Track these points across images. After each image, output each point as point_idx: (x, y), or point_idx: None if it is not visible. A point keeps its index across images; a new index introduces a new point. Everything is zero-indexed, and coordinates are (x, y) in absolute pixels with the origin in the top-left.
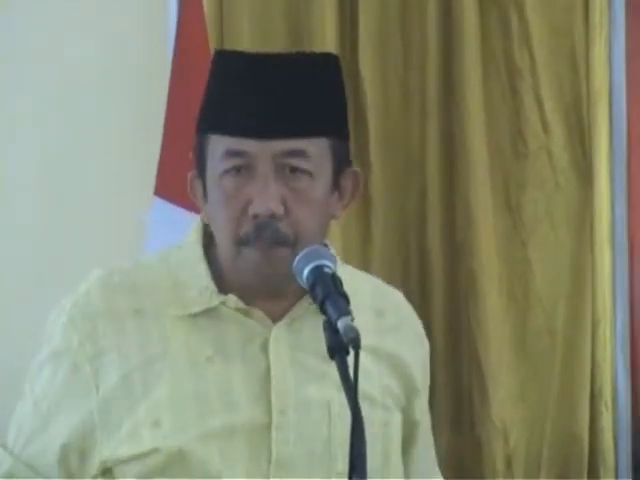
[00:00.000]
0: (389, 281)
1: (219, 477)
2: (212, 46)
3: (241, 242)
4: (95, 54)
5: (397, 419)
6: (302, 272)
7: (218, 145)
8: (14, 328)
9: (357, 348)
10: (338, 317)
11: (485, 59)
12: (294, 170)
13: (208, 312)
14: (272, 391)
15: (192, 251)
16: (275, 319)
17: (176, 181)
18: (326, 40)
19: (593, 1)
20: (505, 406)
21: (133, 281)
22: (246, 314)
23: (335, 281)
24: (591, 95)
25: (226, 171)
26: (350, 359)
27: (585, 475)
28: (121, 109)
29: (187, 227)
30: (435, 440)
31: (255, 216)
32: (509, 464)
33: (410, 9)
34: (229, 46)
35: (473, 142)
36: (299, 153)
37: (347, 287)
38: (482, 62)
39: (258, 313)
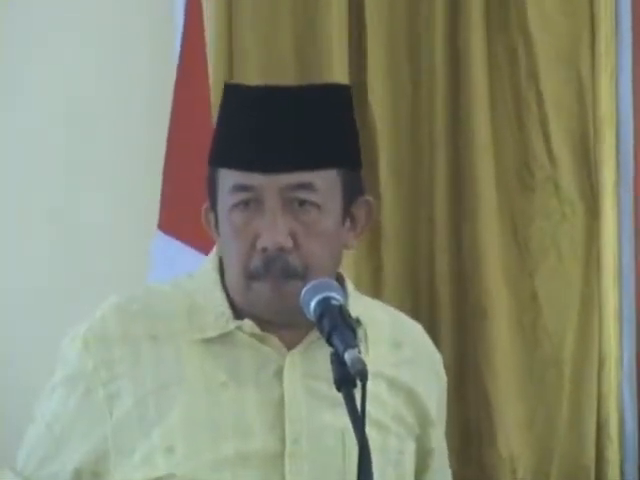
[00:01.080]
0: (400, 310)
1: None
2: (220, 75)
3: (251, 276)
4: (95, 89)
5: (411, 448)
6: (309, 304)
7: (227, 179)
8: (24, 354)
9: (364, 380)
10: (345, 349)
11: (492, 90)
12: (302, 203)
13: (223, 337)
14: (286, 419)
15: (208, 278)
16: (289, 346)
17: (178, 217)
18: (334, 70)
19: (599, 31)
20: (512, 437)
21: (148, 306)
22: (261, 340)
23: (342, 313)
24: (597, 126)
25: (234, 205)
26: (358, 391)
27: None
28: (130, 135)
29: (188, 263)
30: None
31: (264, 250)
32: None
33: (418, 40)
34: (237, 75)
35: (480, 173)
36: (306, 186)
37: (364, 318)
38: (489, 93)
39: (273, 340)
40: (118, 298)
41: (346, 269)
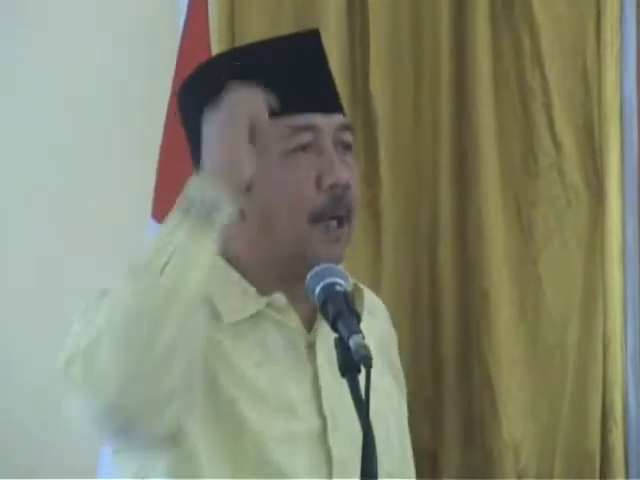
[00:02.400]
0: (399, 299)
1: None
2: None
3: (317, 217)
4: (93, 71)
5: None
6: (314, 289)
7: (278, 126)
8: (22, 347)
9: (368, 366)
10: (350, 335)
11: (497, 77)
12: (346, 147)
13: (251, 318)
14: (323, 396)
15: (215, 262)
16: (305, 322)
17: (172, 205)
18: (337, 58)
19: (604, 19)
20: (516, 422)
21: None
22: (286, 316)
23: (347, 299)
24: (602, 113)
25: (296, 148)
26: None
27: None
28: (124, 125)
29: None
30: (446, 455)
31: (332, 186)
32: None
33: (422, 28)
34: None
35: (485, 159)
36: (350, 128)
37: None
38: (494, 80)
39: (295, 316)
40: None
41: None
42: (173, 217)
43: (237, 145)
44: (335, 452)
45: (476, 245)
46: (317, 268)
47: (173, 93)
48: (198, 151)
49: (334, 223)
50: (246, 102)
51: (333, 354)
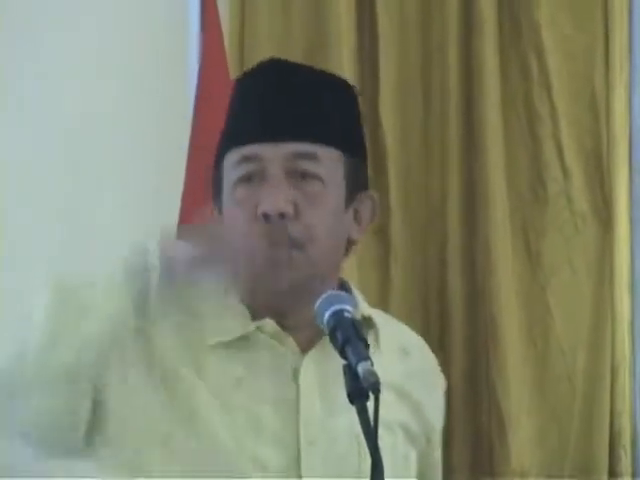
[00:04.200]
0: (408, 324)
1: None
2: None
3: (254, 248)
4: (114, 89)
5: (413, 456)
6: (323, 316)
7: (232, 158)
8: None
9: (377, 393)
10: (358, 362)
11: (505, 104)
12: (305, 175)
13: (241, 340)
14: (300, 422)
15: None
16: (304, 348)
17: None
18: None
19: (613, 45)
20: (524, 450)
21: None
22: (278, 341)
23: (355, 326)
24: (611, 140)
25: (238, 180)
26: (370, 404)
27: None
28: (143, 135)
29: None
30: None
31: (265, 216)
32: None
33: (431, 56)
34: None
35: (493, 187)
36: (309, 156)
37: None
38: (502, 107)
39: (289, 341)
40: None
41: (353, 283)
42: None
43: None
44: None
45: (485, 272)
46: (326, 295)
47: (197, 97)
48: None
49: (272, 253)
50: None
51: (326, 380)
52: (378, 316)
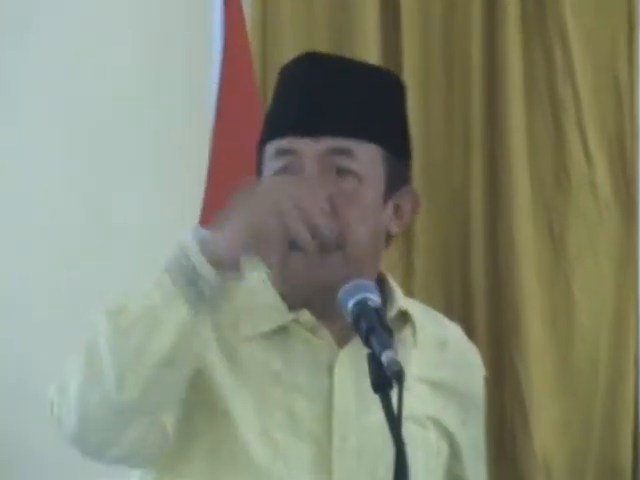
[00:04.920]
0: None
1: None
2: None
3: (292, 244)
4: (134, 77)
5: (445, 450)
6: (346, 305)
7: (270, 149)
8: (52, 354)
9: (401, 382)
10: (382, 351)
11: (528, 92)
12: (341, 172)
13: (278, 332)
14: (334, 417)
15: (255, 273)
16: (340, 340)
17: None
18: None
19: (636, 33)
20: (547, 438)
21: None
22: (314, 333)
23: (379, 314)
24: (635, 127)
25: (275, 172)
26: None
27: None
28: (167, 134)
29: None
30: None
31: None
32: None
33: (453, 43)
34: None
35: (516, 175)
36: (346, 152)
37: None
38: (525, 94)
39: (325, 334)
40: None
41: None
42: (156, 278)
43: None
44: (336, 476)
45: (508, 261)
46: (349, 284)
47: (220, 97)
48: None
49: (306, 255)
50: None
51: (361, 375)
52: (416, 309)
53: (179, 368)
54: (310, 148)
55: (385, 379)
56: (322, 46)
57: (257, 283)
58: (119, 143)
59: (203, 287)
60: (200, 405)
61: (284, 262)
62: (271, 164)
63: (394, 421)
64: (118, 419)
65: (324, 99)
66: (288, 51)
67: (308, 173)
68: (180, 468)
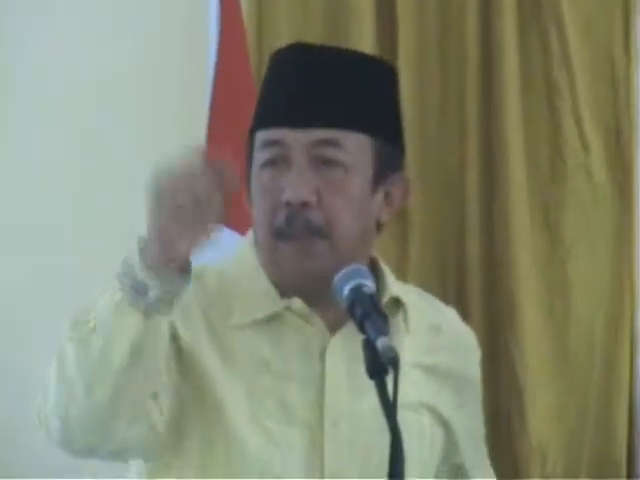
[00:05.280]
0: None
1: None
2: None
3: (277, 234)
4: (131, 78)
5: (440, 435)
6: (342, 291)
7: (259, 139)
8: (47, 350)
9: (396, 368)
10: (377, 337)
11: (524, 78)
12: (328, 162)
13: (270, 319)
14: (325, 403)
15: (248, 261)
16: (333, 326)
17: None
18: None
19: (633, 20)
20: (543, 424)
21: (205, 283)
22: (306, 320)
23: (374, 301)
24: (631, 114)
25: (264, 163)
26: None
27: None
28: (164, 129)
29: (230, 246)
30: None
31: (287, 204)
32: None
33: (449, 29)
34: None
35: (512, 161)
36: (333, 143)
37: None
38: (521, 81)
39: (317, 320)
40: None
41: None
42: (110, 287)
43: (165, 227)
44: (328, 462)
45: (503, 246)
46: (344, 270)
47: (214, 93)
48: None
49: (295, 242)
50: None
51: (353, 361)
52: (410, 293)
53: (146, 365)
54: (298, 140)
55: (380, 365)
56: (317, 35)
57: (250, 269)
58: (114, 141)
59: (149, 293)
60: (192, 396)
61: (272, 250)
62: (259, 155)
63: (389, 408)
64: (97, 422)
65: (313, 89)
66: (284, 41)
67: (295, 163)
68: (174, 463)
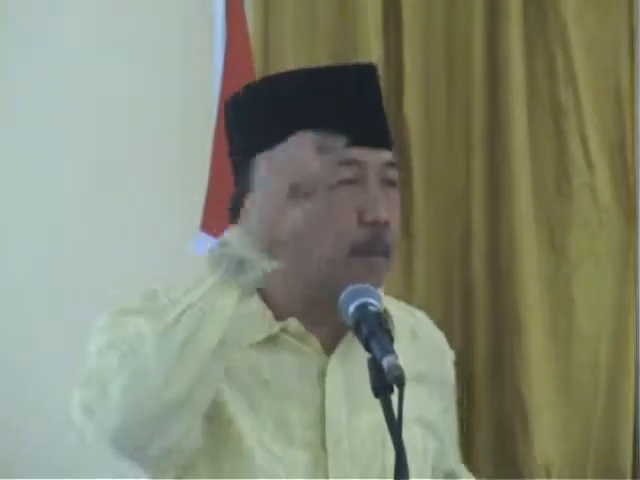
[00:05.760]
0: (431, 316)
1: None
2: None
3: (355, 251)
4: (136, 83)
5: (432, 448)
6: (347, 309)
7: (325, 159)
8: (46, 352)
9: (402, 387)
10: (383, 356)
11: (530, 97)
12: (391, 183)
13: (267, 341)
14: (327, 423)
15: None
16: (329, 343)
17: (223, 218)
18: None
19: (638, 41)
20: (548, 441)
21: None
22: (302, 341)
23: (380, 319)
24: (636, 134)
25: (340, 182)
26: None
27: None
28: (168, 140)
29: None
30: (477, 473)
31: (373, 223)
32: None
33: (455, 47)
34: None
35: (518, 179)
36: (395, 165)
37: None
38: (527, 100)
39: (314, 341)
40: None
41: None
42: (202, 273)
43: (275, 206)
44: (332, 478)
45: (508, 263)
46: (351, 288)
47: (221, 104)
48: (240, 172)
49: (372, 259)
50: (290, 165)
51: (350, 379)
52: (389, 303)
53: (223, 360)
54: (375, 160)
55: (386, 384)
56: (322, 47)
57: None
58: (119, 141)
59: (248, 272)
60: (210, 413)
61: (342, 265)
62: (337, 172)
63: (394, 426)
64: (165, 414)
65: (374, 109)
66: (289, 52)
67: (373, 184)
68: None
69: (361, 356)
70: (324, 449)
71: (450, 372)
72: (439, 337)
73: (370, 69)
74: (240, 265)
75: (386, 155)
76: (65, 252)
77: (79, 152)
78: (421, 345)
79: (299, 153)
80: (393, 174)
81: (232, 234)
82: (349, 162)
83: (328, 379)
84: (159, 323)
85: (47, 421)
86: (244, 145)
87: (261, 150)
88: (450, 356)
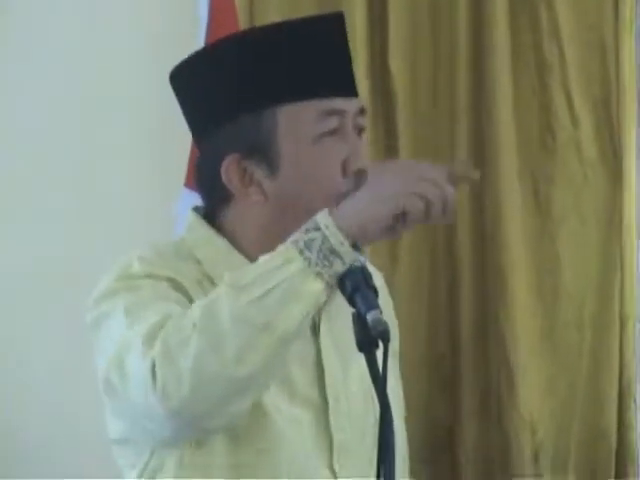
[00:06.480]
0: (417, 277)
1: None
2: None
3: (340, 197)
4: (123, 46)
5: (401, 393)
6: None
7: (306, 110)
8: (37, 324)
9: (386, 341)
10: (367, 310)
11: (514, 53)
12: (363, 129)
13: None
14: (327, 378)
15: (203, 233)
16: None
17: None
18: (355, 40)
19: None
20: (533, 399)
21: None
22: None
23: (364, 274)
24: (620, 88)
25: (324, 134)
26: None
27: (612, 471)
28: (151, 101)
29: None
30: (463, 431)
31: (359, 171)
32: (536, 458)
33: (440, 5)
34: None
35: (502, 136)
36: (365, 111)
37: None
38: (511, 56)
39: None
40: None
41: None
42: (284, 252)
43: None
44: (336, 437)
45: (493, 223)
46: None
47: None
48: (199, 125)
49: None
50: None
51: (339, 335)
52: None
53: (293, 344)
54: (352, 108)
55: (370, 339)
56: (308, 6)
57: (206, 237)
58: (114, 134)
59: (335, 265)
60: None
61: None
62: (317, 127)
63: (379, 380)
64: (232, 391)
65: (344, 59)
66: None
67: (351, 132)
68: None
69: (345, 310)
70: (326, 406)
71: (396, 333)
72: (388, 296)
73: (339, 18)
74: (330, 254)
75: (358, 103)
76: (64, 245)
77: (78, 144)
78: (381, 298)
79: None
80: (364, 121)
81: (325, 218)
82: (331, 112)
83: (322, 338)
84: (237, 300)
85: (47, 421)
86: (225, 105)
87: (248, 107)
88: (391, 302)
